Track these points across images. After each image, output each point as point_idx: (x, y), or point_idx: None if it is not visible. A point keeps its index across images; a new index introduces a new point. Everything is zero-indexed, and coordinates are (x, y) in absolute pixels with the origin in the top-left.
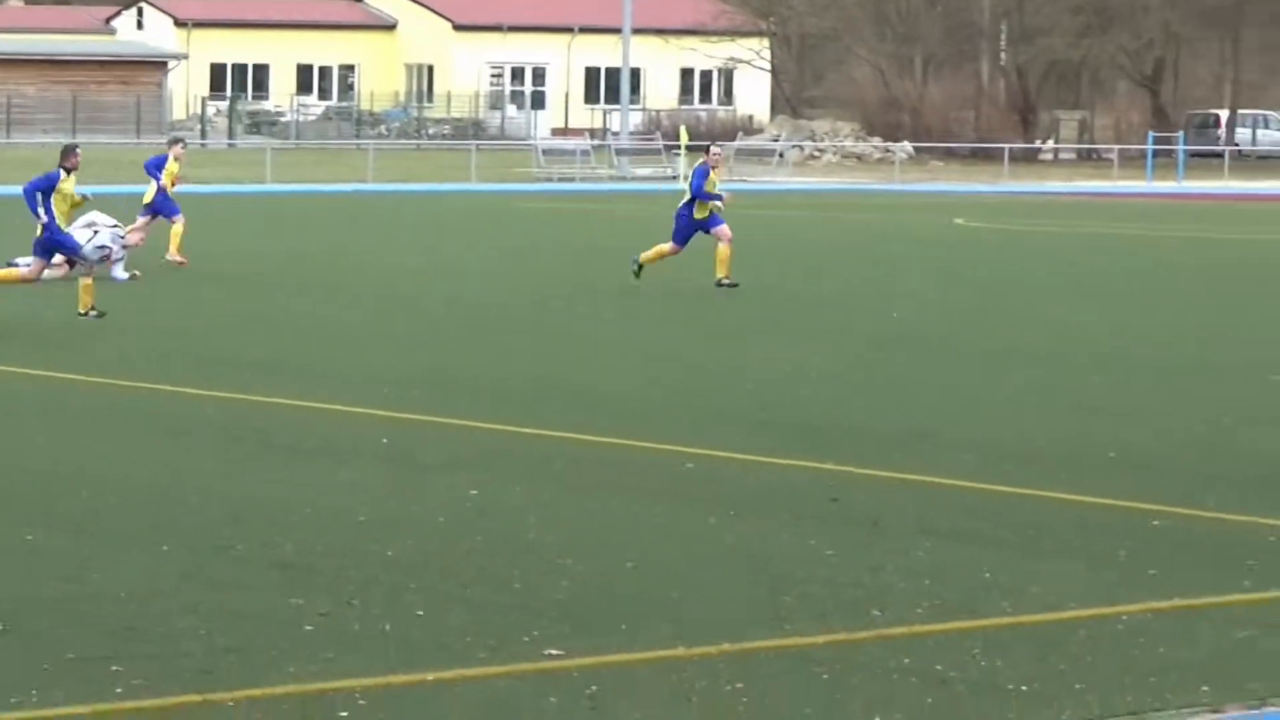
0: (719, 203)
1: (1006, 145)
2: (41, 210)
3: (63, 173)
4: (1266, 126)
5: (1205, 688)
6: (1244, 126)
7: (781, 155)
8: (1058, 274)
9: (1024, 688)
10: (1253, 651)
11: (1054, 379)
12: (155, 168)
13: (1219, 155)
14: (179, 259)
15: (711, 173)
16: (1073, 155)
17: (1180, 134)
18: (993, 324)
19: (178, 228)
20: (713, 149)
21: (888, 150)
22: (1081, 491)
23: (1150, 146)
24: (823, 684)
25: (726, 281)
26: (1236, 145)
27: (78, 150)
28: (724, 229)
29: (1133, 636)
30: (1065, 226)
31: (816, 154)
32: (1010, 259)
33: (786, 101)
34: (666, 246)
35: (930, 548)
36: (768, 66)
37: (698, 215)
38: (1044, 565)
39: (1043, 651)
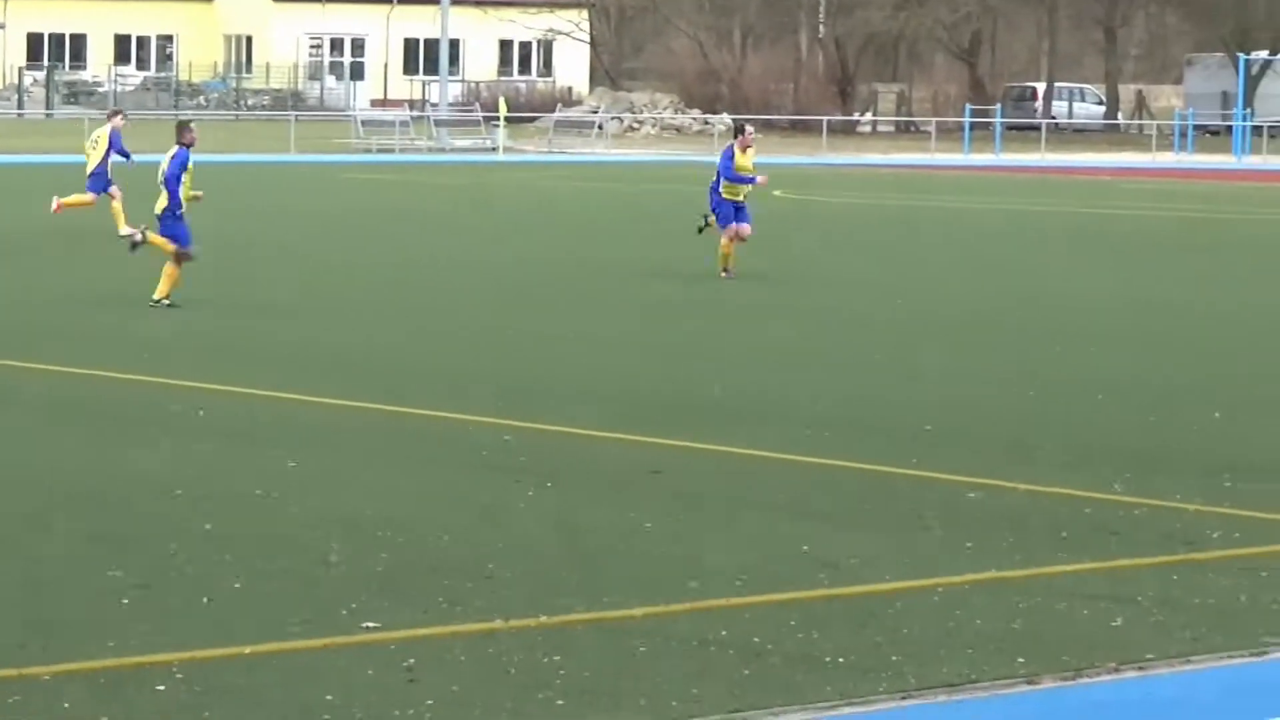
0: (752, 185)
1: (825, 118)
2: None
3: (187, 151)
4: (1083, 99)
5: (1021, 659)
6: (1060, 99)
7: (601, 127)
8: (875, 244)
9: (840, 660)
10: (1067, 623)
11: (872, 350)
12: (120, 141)
13: (1036, 128)
14: (58, 210)
15: (739, 154)
16: (891, 128)
17: (997, 107)
18: (811, 294)
19: (84, 198)
20: (748, 130)
21: (707, 122)
22: (898, 464)
23: (967, 119)
24: (640, 656)
25: (725, 274)
26: (1053, 118)
27: (192, 125)
28: (745, 228)
29: (948, 608)
30: (883, 198)
31: (636, 126)
32: (828, 230)
33: (606, 73)
34: (724, 239)
35: (749, 520)
36: (587, 38)
37: (725, 195)
38: (861, 537)
39: (859, 624)
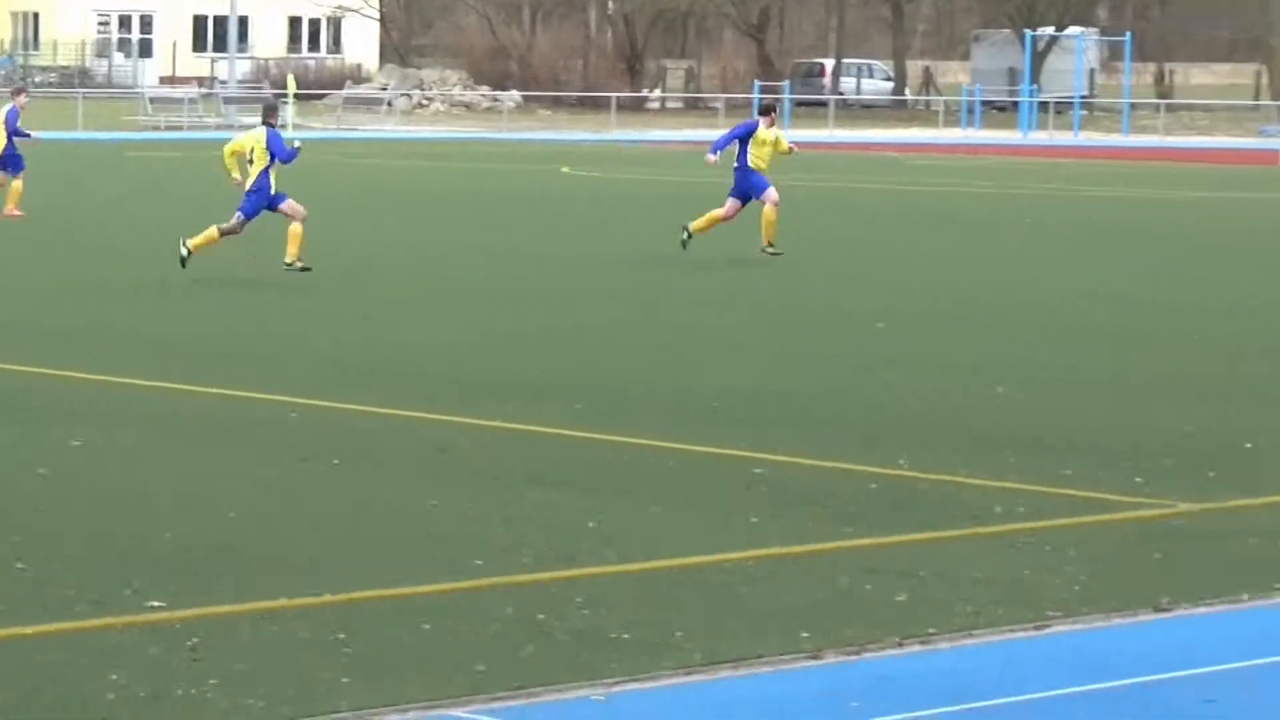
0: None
1: (614, 94)
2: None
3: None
4: (870, 75)
5: (805, 635)
6: (848, 76)
7: (390, 104)
8: (662, 221)
9: (626, 636)
10: (851, 598)
11: (660, 325)
12: (15, 120)
13: (824, 104)
14: (17, 214)
15: (762, 129)
16: (679, 104)
17: (786, 83)
18: (598, 271)
19: (18, 184)
20: (774, 112)
21: (496, 99)
22: (686, 439)
23: (756, 95)
24: (425, 634)
25: (771, 250)
26: (841, 94)
27: (279, 106)
28: (771, 192)
29: (734, 584)
30: (671, 175)
31: (425, 103)
32: (616, 207)
33: (395, 50)
34: (768, 208)
35: (535, 497)
36: (376, 15)
37: (753, 164)
38: (648, 513)
39: (645, 600)
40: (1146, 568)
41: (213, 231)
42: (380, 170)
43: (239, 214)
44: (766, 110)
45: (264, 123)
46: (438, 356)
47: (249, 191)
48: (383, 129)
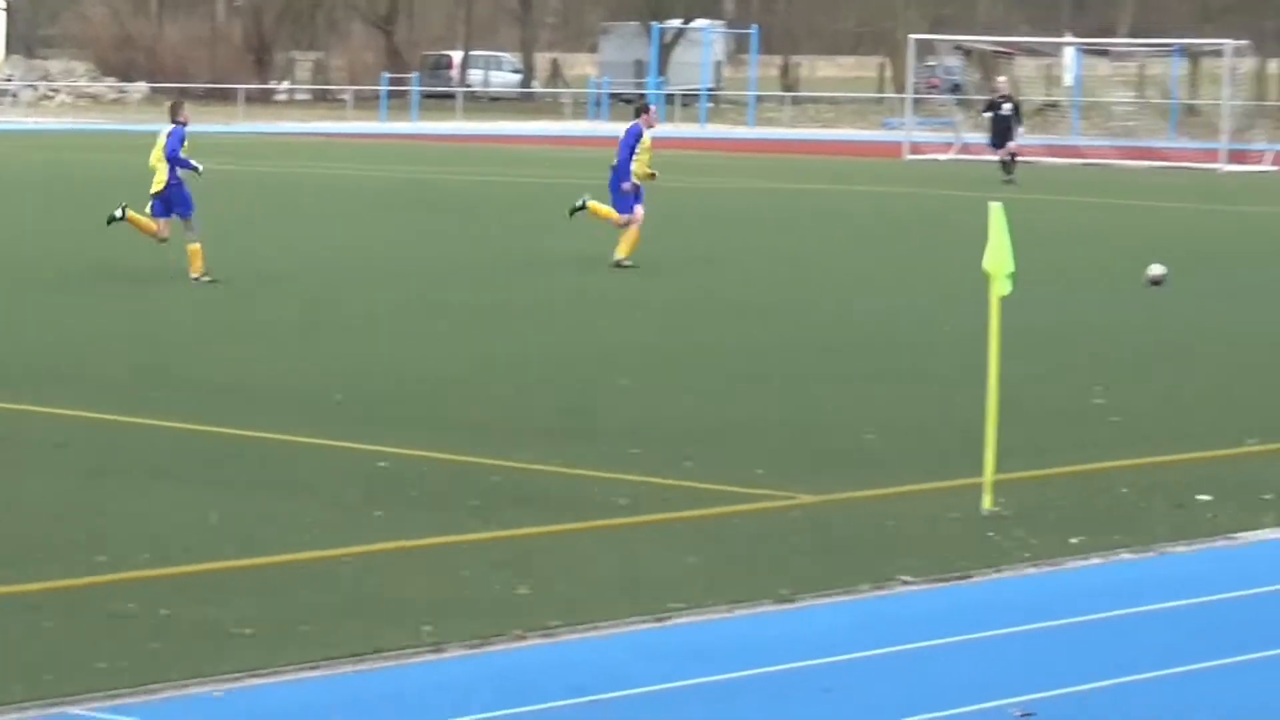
0: (645, 179)
1: (242, 86)
2: (178, 168)
3: (183, 128)
4: (499, 68)
5: (427, 628)
6: (477, 68)
7: (15, 96)
8: (297, 211)
9: (247, 631)
10: (474, 591)
11: (290, 318)
12: None
13: (452, 96)
14: None
15: (645, 136)
16: (308, 96)
17: (414, 75)
18: (234, 258)
19: None
20: (652, 109)
21: (122, 90)
22: (311, 434)
23: (384, 88)
24: (45, 631)
25: (627, 263)
26: (469, 86)
27: (185, 104)
28: (638, 212)
29: (357, 578)
30: (299, 166)
31: (50, 94)
32: (246, 199)
33: (20, 40)
34: (632, 230)
35: (157, 492)
36: (1, 4)
37: (637, 178)
38: (272, 508)
39: (267, 594)
40: (768, 559)
41: (197, 254)
42: (10, 161)
43: (188, 220)
44: (642, 110)
45: (172, 120)
46: (59, 351)
47: (158, 195)
48: (7, 120)
